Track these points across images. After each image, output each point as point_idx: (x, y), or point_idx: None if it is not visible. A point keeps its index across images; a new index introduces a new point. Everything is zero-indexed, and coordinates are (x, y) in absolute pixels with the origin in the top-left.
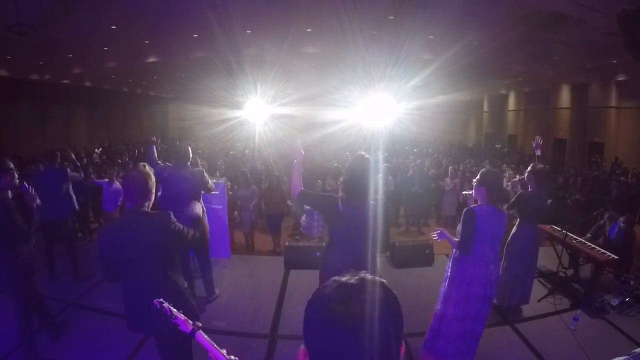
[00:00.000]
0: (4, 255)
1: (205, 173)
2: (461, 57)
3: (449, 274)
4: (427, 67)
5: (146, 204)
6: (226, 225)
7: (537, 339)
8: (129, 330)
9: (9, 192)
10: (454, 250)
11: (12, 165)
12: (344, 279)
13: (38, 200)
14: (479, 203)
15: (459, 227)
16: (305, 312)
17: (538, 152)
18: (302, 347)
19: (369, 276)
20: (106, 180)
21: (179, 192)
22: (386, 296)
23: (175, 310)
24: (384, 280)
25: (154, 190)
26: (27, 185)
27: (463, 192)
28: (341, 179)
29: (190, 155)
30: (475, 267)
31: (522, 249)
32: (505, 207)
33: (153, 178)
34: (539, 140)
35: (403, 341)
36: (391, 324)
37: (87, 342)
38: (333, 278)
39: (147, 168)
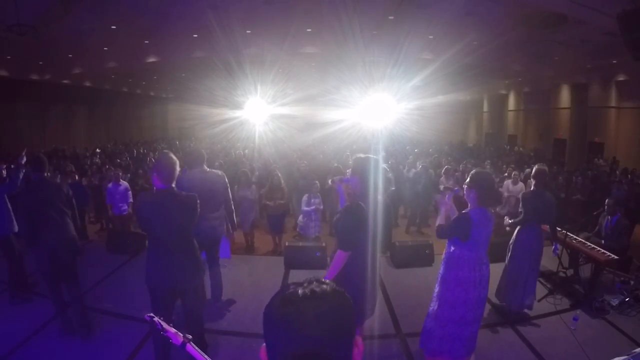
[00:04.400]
0: (72, 236)
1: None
2: (461, 57)
3: (441, 275)
4: (427, 67)
5: (174, 184)
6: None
7: (537, 339)
8: (147, 284)
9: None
10: (447, 249)
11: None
12: (299, 282)
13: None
14: (469, 206)
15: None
16: (264, 313)
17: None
18: (263, 344)
19: (321, 279)
20: (112, 182)
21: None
22: (337, 298)
23: (165, 324)
24: (334, 284)
25: (177, 170)
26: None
27: (440, 186)
28: (350, 178)
29: (205, 157)
30: (470, 272)
31: (525, 250)
32: (498, 208)
33: (177, 162)
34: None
35: (360, 339)
36: (341, 323)
37: (87, 342)
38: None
39: (170, 154)
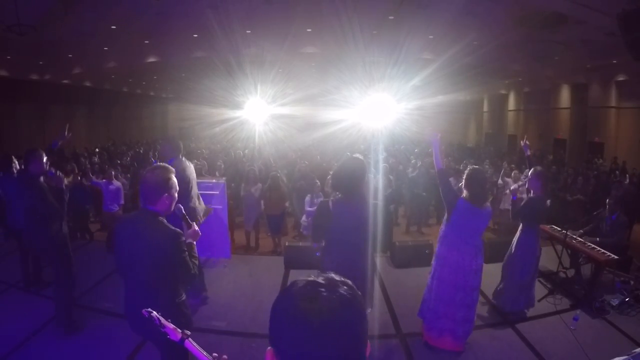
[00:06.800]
0: (43, 231)
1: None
2: (461, 57)
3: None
4: (427, 67)
5: (161, 207)
6: (226, 225)
7: (537, 339)
8: (131, 328)
9: (41, 177)
10: (443, 225)
11: (44, 156)
12: (311, 278)
13: (66, 182)
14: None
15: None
16: (271, 309)
17: (528, 153)
18: (270, 348)
19: (336, 276)
20: (104, 180)
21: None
22: (352, 296)
23: (163, 319)
24: (349, 281)
25: (172, 192)
26: (53, 171)
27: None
28: (329, 177)
29: (181, 147)
30: (449, 251)
31: (527, 255)
32: (488, 205)
33: (172, 178)
34: (526, 141)
35: (369, 342)
36: (356, 323)
37: (87, 342)
38: (302, 278)
39: (166, 166)
